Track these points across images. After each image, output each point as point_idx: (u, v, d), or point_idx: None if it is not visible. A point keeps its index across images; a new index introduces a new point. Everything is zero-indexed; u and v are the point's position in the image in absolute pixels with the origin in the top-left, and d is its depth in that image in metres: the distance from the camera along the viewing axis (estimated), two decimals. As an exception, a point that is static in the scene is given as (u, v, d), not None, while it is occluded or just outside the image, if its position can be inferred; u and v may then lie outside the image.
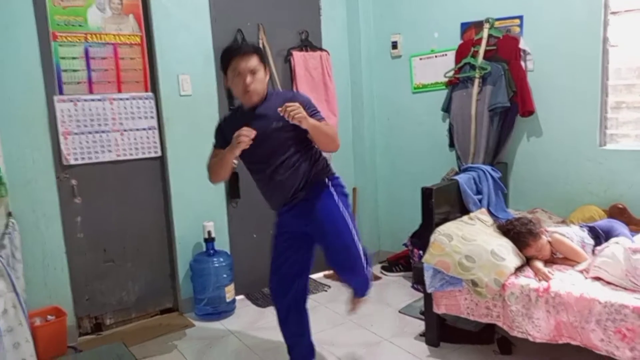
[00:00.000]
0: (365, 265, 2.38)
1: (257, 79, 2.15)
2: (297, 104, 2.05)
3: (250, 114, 2.20)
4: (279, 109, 2.05)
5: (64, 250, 2.86)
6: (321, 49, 3.67)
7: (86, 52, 2.90)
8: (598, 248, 2.39)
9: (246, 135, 2.07)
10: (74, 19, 2.84)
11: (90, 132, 2.94)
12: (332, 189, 2.28)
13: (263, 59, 2.20)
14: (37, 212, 2.75)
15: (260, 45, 3.38)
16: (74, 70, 2.88)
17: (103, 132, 2.98)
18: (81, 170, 2.93)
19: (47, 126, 2.77)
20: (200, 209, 3.25)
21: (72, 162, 2.89)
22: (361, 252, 2.33)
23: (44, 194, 2.77)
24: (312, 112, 2.19)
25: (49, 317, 2.73)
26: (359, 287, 2.48)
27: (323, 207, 2.24)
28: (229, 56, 2.15)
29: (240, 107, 2.29)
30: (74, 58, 2.87)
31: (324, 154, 2.35)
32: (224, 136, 2.26)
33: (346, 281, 2.61)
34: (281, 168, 2.19)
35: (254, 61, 2.13)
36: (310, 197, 2.24)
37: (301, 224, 2.28)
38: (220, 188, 3.34)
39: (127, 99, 3.04)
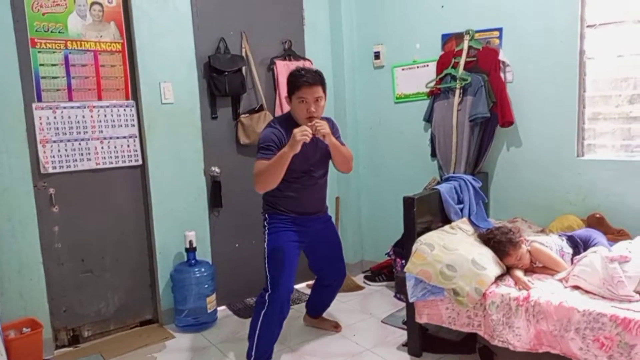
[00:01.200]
0: None
1: (320, 106, 2.45)
2: (324, 122, 2.41)
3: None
4: (309, 123, 2.35)
5: (41, 260, 2.80)
6: (304, 59, 3.68)
7: (66, 59, 2.86)
8: (577, 257, 2.42)
9: (307, 131, 2.27)
10: (54, 25, 2.81)
11: (69, 140, 2.89)
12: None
13: (325, 89, 2.50)
14: (13, 220, 2.70)
15: (243, 54, 3.39)
16: (54, 77, 2.84)
17: (82, 140, 2.94)
18: (60, 178, 2.88)
19: (25, 134, 2.72)
20: (181, 218, 3.21)
21: (51, 170, 2.84)
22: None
23: (21, 202, 2.72)
24: (337, 136, 2.60)
25: (24, 329, 2.65)
26: (332, 299, 3.06)
27: (334, 227, 2.91)
28: (299, 84, 2.41)
29: (296, 123, 2.44)
30: (53, 65, 2.83)
31: None
32: (280, 147, 2.39)
33: (329, 298, 3.03)
34: (320, 181, 2.62)
35: (319, 91, 2.44)
36: (328, 214, 2.82)
37: (318, 233, 2.69)
38: (203, 197, 3.31)
39: (108, 106, 3.00)
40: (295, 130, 2.29)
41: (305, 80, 2.40)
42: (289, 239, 2.57)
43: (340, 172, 2.77)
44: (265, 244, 2.58)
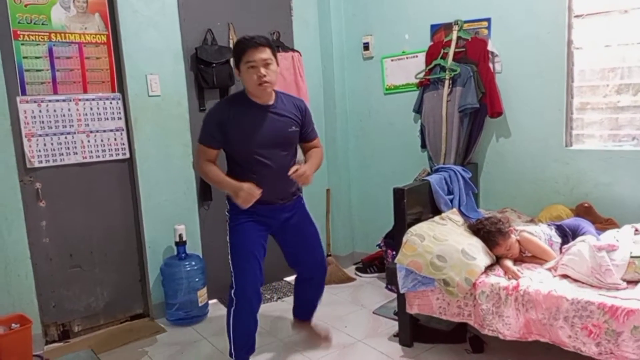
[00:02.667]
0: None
1: (271, 70, 2.22)
2: (303, 170, 2.28)
3: (267, 110, 2.28)
4: (290, 171, 2.25)
5: (29, 256, 2.77)
6: (293, 50, 3.65)
7: (50, 52, 2.81)
8: (565, 246, 2.44)
9: (252, 196, 2.19)
10: (37, 17, 2.75)
11: (55, 134, 2.85)
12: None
13: (275, 52, 2.27)
14: (0, 216, 2.67)
15: (231, 45, 3.35)
16: (38, 70, 2.79)
17: (68, 133, 2.90)
18: (46, 172, 2.85)
19: (10, 128, 2.68)
20: (170, 212, 3.19)
21: (37, 164, 2.80)
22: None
23: (7, 197, 2.68)
24: (311, 129, 2.47)
25: (13, 325, 2.62)
26: (318, 297, 2.75)
27: (306, 214, 2.57)
28: (243, 47, 2.20)
29: (247, 100, 2.29)
30: (37, 57, 2.78)
31: None
32: (224, 131, 2.25)
33: (313, 296, 2.74)
34: (286, 166, 2.30)
35: (267, 53, 2.21)
36: (300, 200, 2.53)
37: (288, 221, 2.46)
38: (192, 190, 3.29)
39: (94, 99, 2.96)
40: (241, 193, 2.18)
41: (251, 43, 2.20)
42: (252, 229, 2.36)
43: None
44: (228, 237, 2.40)
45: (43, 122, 2.81)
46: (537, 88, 3.00)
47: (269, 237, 2.49)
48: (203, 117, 2.38)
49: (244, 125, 2.26)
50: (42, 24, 2.78)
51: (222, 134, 2.26)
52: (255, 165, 2.30)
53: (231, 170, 2.36)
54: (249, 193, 2.19)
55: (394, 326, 2.85)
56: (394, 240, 2.79)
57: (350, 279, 3.72)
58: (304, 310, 2.80)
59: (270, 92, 2.29)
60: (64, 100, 2.87)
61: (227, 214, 2.42)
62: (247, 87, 2.29)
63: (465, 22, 3.19)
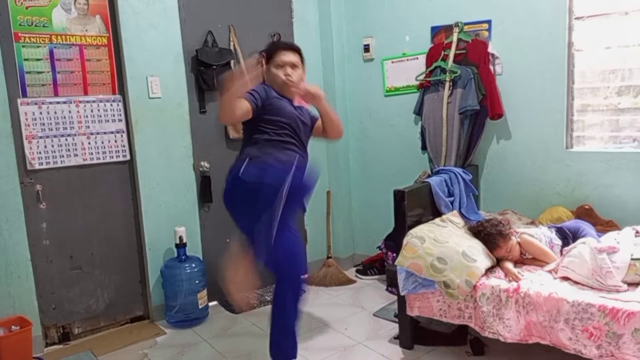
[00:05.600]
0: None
1: (296, 74, 2.40)
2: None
3: (292, 103, 2.41)
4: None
5: (29, 258, 2.76)
6: (293, 52, 3.65)
7: (51, 54, 2.82)
8: (566, 248, 2.43)
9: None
10: (38, 19, 2.76)
11: (55, 136, 2.85)
12: None
13: (303, 60, 2.48)
14: (0, 218, 2.66)
15: (231, 48, 3.36)
16: (39, 72, 2.80)
17: (69, 135, 2.90)
18: (46, 174, 2.85)
19: (10, 130, 2.68)
20: (171, 214, 3.19)
21: (37, 166, 2.80)
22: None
23: (7, 199, 2.68)
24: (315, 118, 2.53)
25: (13, 327, 2.62)
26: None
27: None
28: (276, 47, 2.42)
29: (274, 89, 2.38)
30: (38, 59, 2.78)
31: None
32: (265, 95, 2.30)
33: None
34: (305, 144, 2.43)
35: (297, 58, 2.43)
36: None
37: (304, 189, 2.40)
38: (192, 192, 3.29)
39: (94, 101, 2.97)
40: (247, 63, 2.26)
41: (283, 45, 2.44)
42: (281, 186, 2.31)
43: (331, 139, 2.64)
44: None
45: (44, 124, 2.82)
46: (537, 90, 3.00)
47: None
48: None
49: (280, 100, 2.36)
50: (43, 26, 2.78)
51: (262, 99, 2.29)
52: (278, 128, 2.32)
53: (247, 144, 2.37)
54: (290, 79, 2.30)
55: (394, 328, 2.85)
56: (394, 242, 2.79)
57: (351, 281, 3.71)
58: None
59: (293, 93, 2.40)
60: (64, 102, 2.88)
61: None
62: (274, 84, 2.40)
63: (466, 24, 3.19)
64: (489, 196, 3.29)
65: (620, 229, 2.60)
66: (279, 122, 2.31)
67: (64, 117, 2.88)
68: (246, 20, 3.46)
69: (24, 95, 2.76)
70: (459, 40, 3.19)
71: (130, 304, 3.19)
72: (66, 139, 2.89)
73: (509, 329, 2.24)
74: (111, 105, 3.02)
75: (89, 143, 2.96)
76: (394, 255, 2.69)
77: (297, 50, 2.46)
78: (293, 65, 2.39)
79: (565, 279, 2.27)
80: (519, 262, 2.53)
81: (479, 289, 2.33)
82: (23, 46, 2.74)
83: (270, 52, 2.42)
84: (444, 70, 3.20)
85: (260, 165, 2.22)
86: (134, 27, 2.99)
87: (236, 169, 2.27)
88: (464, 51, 3.17)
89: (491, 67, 3.11)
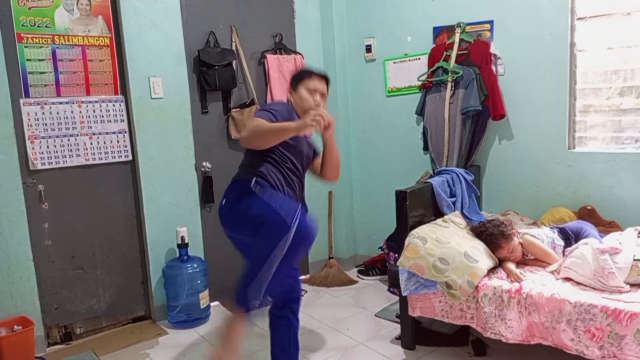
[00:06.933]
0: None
1: (324, 102, 2.39)
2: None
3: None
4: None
5: (31, 258, 2.77)
6: (295, 52, 3.66)
7: (53, 54, 2.82)
8: (568, 249, 2.43)
9: (321, 117, 2.05)
10: (41, 19, 2.76)
11: (58, 136, 2.86)
12: None
13: (328, 90, 2.43)
14: (2, 218, 2.67)
15: (233, 48, 3.36)
16: (41, 73, 2.80)
17: (71, 135, 2.90)
18: (49, 175, 2.85)
19: (13, 130, 2.69)
20: (173, 214, 3.19)
21: (39, 166, 2.81)
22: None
23: (9, 199, 2.68)
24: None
25: (16, 327, 2.63)
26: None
27: None
28: (311, 74, 2.37)
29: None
30: (40, 60, 2.79)
31: None
32: (289, 116, 2.24)
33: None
34: (304, 177, 2.40)
35: (326, 88, 2.40)
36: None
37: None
38: (194, 193, 3.29)
39: (96, 101, 2.97)
40: (311, 111, 2.12)
41: (317, 73, 2.39)
42: (289, 229, 2.22)
43: (326, 180, 2.48)
44: None
45: (46, 124, 2.82)
46: (539, 90, 3.00)
47: None
48: (268, 103, 2.46)
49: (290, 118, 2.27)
50: (46, 26, 2.79)
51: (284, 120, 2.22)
52: (289, 163, 2.28)
53: (255, 163, 2.27)
54: (315, 115, 2.06)
55: (396, 329, 2.84)
56: (396, 242, 2.79)
57: (352, 282, 3.71)
58: None
59: (316, 125, 2.25)
60: (67, 103, 2.88)
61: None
62: (299, 107, 2.33)
63: (468, 24, 3.19)
64: (490, 197, 3.29)
65: (622, 229, 2.59)
66: (291, 152, 2.28)
67: (67, 118, 2.88)
68: (248, 21, 3.46)
69: (27, 95, 2.76)
70: (461, 40, 3.18)
71: (132, 304, 3.20)
72: (68, 139, 2.90)
73: (511, 329, 2.24)
74: (113, 105, 3.03)
75: (91, 143, 2.97)
76: (396, 255, 2.69)
77: (328, 81, 2.42)
78: (322, 94, 2.36)
79: (568, 279, 2.27)
80: (521, 262, 2.53)
81: (481, 289, 2.33)
82: (26, 46, 2.74)
83: (303, 75, 2.37)
84: (446, 71, 3.20)
85: (269, 191, 2.18)
86: (136, 28, 3.00)
87: (243, 186, 2.21)
88: (466, 51, 3.17)
89: (493, 68, 3.11)
